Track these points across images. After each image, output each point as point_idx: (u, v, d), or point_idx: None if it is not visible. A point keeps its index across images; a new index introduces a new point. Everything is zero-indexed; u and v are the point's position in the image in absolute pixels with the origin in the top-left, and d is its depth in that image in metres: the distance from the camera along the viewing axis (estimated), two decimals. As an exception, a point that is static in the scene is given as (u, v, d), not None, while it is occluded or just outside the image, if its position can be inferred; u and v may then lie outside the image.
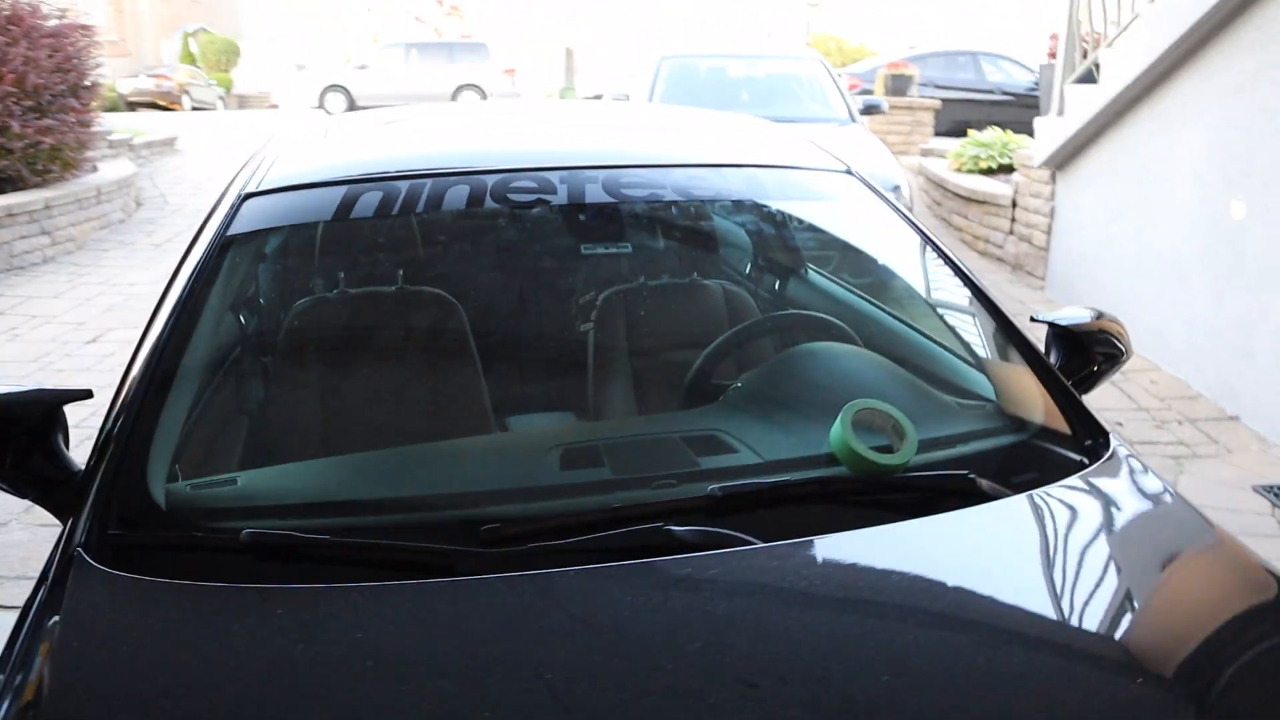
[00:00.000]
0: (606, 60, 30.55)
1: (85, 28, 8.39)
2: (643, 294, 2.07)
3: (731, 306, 2.13)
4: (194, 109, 27.07)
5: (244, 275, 1.90)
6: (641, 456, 1.62)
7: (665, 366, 1.99)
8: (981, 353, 1.92)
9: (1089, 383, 1.89)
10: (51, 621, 1.24)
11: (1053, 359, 1.91)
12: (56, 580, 1.31)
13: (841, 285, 2.27)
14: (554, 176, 1.87)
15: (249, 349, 1.92)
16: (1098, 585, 1.33)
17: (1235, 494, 3.83)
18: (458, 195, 1.81)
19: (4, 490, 1.53)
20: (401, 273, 1.98)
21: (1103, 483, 1.53)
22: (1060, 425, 1.68)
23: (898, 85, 11.07)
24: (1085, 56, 6.18)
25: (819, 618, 1.23)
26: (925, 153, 10.07)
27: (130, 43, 33.56)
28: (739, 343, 1.97)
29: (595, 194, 1.85)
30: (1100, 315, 1.96)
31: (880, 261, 2.17)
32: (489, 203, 1.82)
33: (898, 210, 2.06)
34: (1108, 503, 1.50)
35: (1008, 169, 7.89)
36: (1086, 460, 1.58)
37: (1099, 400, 4.85)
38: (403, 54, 22.96)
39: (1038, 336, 1.98)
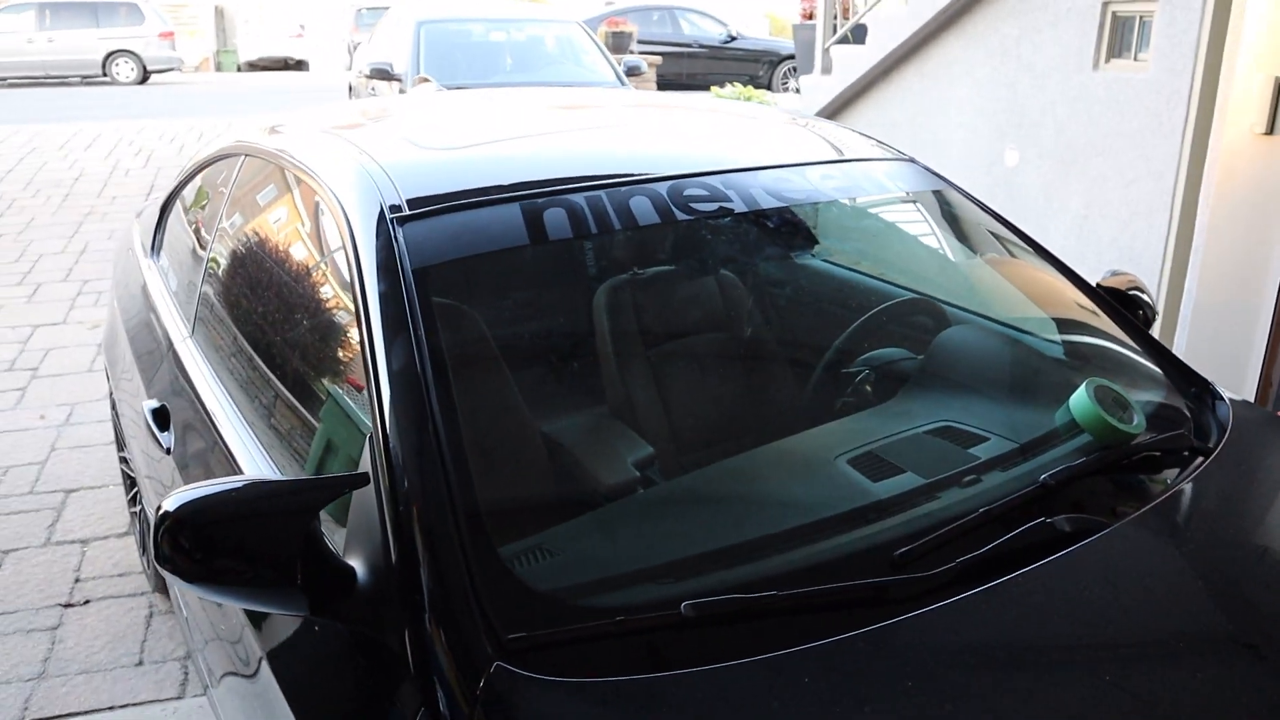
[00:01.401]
0: (262, 19, 28.57)
1: None
2: (779, 279, 2.10)
3: (860, 288, 2.20)
4: None
5: (436, 309, 1.65)
6: (922, 457, 1.65)
7: (820, 356, 2.01)
8: (1085, 326, 2.09)
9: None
10: None
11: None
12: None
13: (950, 272, 2.35)
14: (719, 182, 1.82)
15: (491, 385, 1.65)
16: None
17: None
18: (642, 205, 1.72)
19: (259, 605, 1.26)
20: (628, 274, 1.89)
21: (1258, 435, 1.77)
22: (1181, 379, 1.92)
23: (619, 43, 11.30)
24: (846, 18, 6.65)
25: (1222, 571, 1.39)
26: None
27: None
28: (863, 332, 2.02)
29: (764, 199, 1.83)
30: (1128, 275, 2.21)
31: (971, 243, 2.27)
32: (676, 213, 1.74)
33: (962, 191, 2.19)
34: (1275, 450, 1.75)
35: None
36: (1214, 404, 1.83)
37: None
38: (34, 16, 20.17)
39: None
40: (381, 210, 1.63)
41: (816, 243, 2.22)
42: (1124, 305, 2.13)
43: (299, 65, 27.41)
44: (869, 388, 1.89)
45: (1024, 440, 1.68)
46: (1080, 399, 1.63)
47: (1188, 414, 1.82)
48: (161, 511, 1.22)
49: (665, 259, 2.02)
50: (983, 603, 1.28)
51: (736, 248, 2.06)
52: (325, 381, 1.68)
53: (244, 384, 1.90)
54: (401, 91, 7.04)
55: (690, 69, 14.43)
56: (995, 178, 5.42)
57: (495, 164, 1.90)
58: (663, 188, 1.78)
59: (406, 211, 1.63)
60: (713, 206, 1.79)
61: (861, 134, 2.33)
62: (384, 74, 7.39)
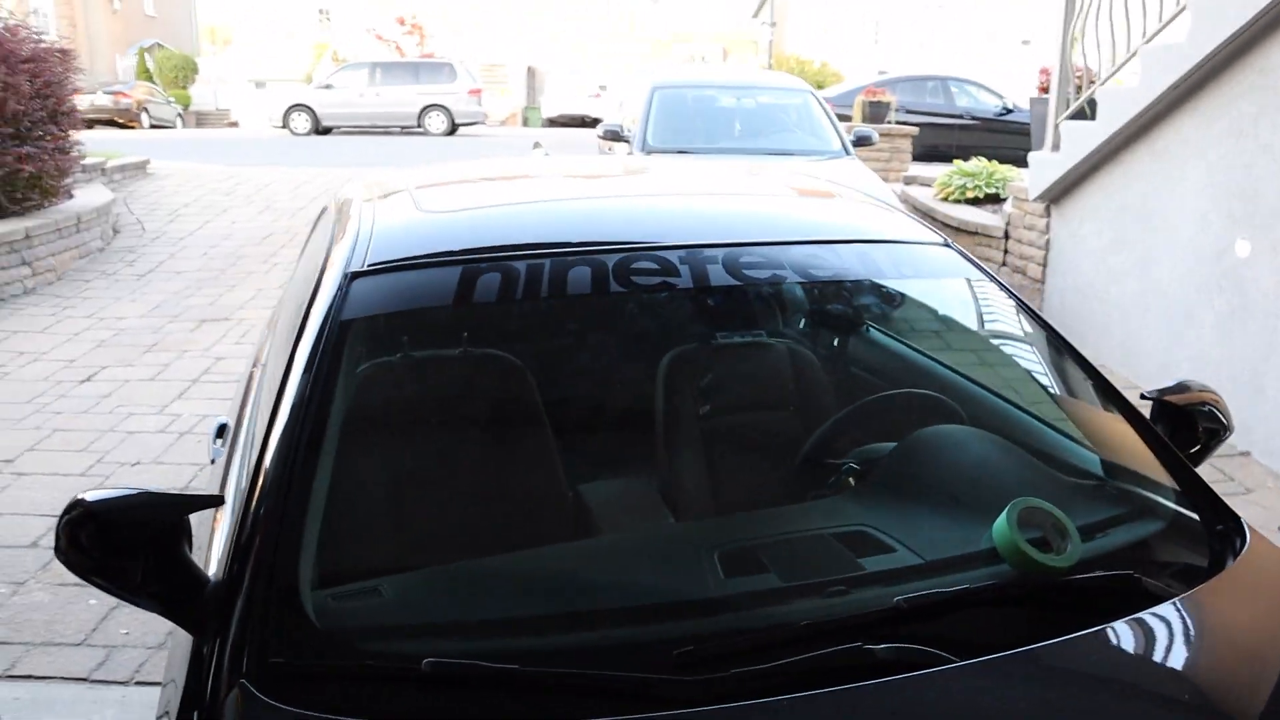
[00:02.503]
0: (568, 80, 30.55)
1: (64, 52, 8.22)
2: (762, 357, 2.05)
3: (850, 376, 2.11)
4: (152, 126, 26.67)
5: (362, 359, 1.81)
6: (802, 560, 1.58)
7: (783, 440, 1.95)
8: (1098, 435, 1.91)
9: (1196, 459, 1.89)
10: None
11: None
12: (212, 713, 1.23)
13: (953, 364, 2.25)
14: (674, 256, 1.83)
15: (373, 438, 1.83)
16: None
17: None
18: (579, 276, 1.76)
19: (127, 601, 1.42)
20: (534, 347, 1.94)
21: (1257, 572, 1.53)
22: (1194, 510, 1.68)
23: (875, 112, 11.18)
24: (1079, 92, 6.28)
25: None
26: (909, 180, 10.17)
27: (85, 58, 32.99)
28: (853, 421, 1.95)
29: (718, 276, 1.81)
30: (1205, 388, 1.96)
31: (988, 337, 2.16)
32: (614, 285, 1.76)
33: (995, 281, 2.06)
34: (1265, 594, 1.50)
35: (994, 199, 8.00)
36: (1232, 546, 1.58)
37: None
38: (367, 74, 22.75)
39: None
40: (349, 272, 1.78)
41: (778, 321, 2.15)
42: (1176, 421, 1.91)
43: (593, 122, 29.10)
44: (833, 480, 1.81)
45: (931, 558, 1.54)
46: (1000, 522, 1.46)
47: (1175, 553, 1.61)
48: (65, 513, 1.40)
49: (583, 331, 2.03)
50: (742, 717, 1.19)
51: (673, 324, 2.04)
52: (257, 411, 1.84)
53: (244, 408, 2.11)
54: (629, 153, 7.34)
55: (961, 140, 14.00)
56: (1223, 269, 4.92)
57: (472, 230, 2.01)
58: (612, 259, 1.80)
59: (363, 269, 1.77)
60: (655, 280, 1.79)
61: (909, 216, 2.24)
62: (615, 135, 7.76)
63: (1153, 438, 1.79)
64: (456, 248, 1.88)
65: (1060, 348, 1.97)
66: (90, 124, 25.86)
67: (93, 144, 13.57)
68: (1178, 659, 1.39)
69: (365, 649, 1.34)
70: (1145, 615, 1.40)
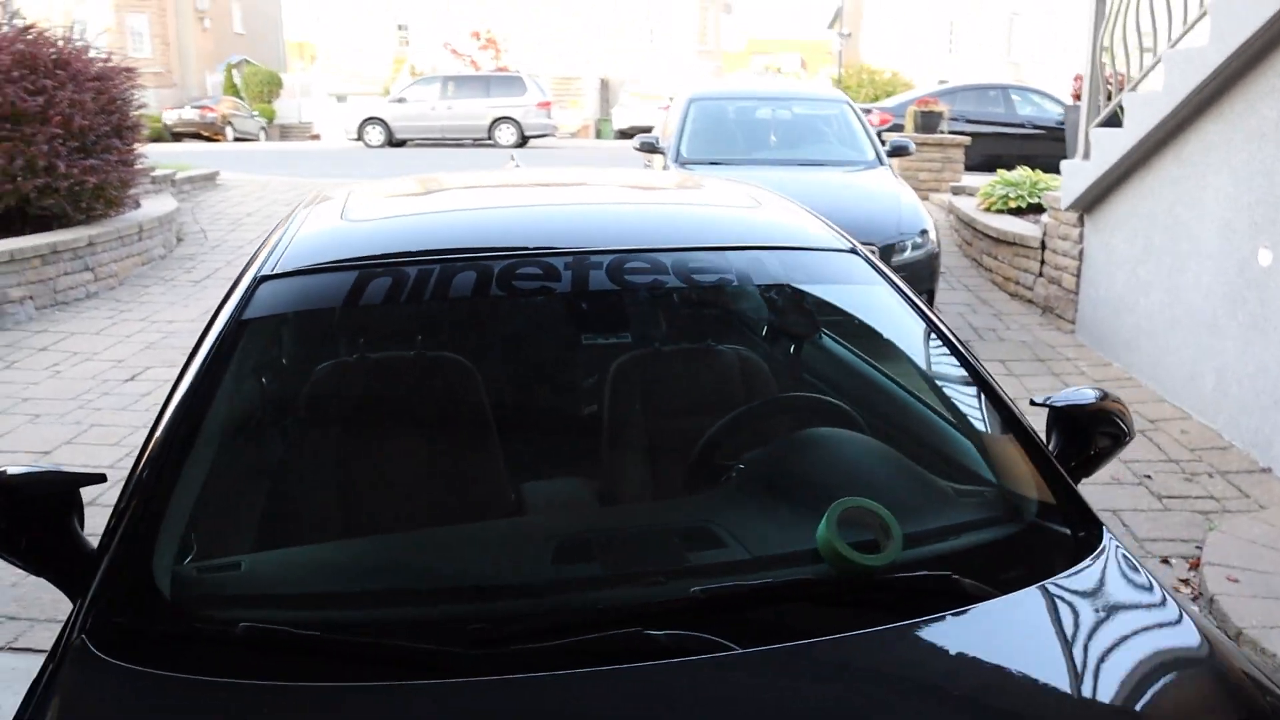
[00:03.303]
0: (639, 92, 30.73)
1: (129, 70, 8.63)
2: (653, 361, 2.11)
3: (747, 379, 2.16)
4: (236, 139, 27.66)
5: (257, 357, 1.94)
6: (632, 552, 1.64)
7: (676, 442, 2.01)
8: (982, 439, 1.93)
9: (1090, 466, 1.90)
10: (49, 710, 1.28)
11: (1053, 442, 1.93)
12: (58, 665, 1.35)
13: (846, 368, 2.28)
14: (559, 262, 1.90)
15: (258, 429, 1.97)
16: (1076, 697, 1.34)
17: (1267, 554, 3.77)
18: (464, 281, 1.86)
19: (23, 569, 1.58)
20: (413, 350, 2.04)
21: (1089, 583, 1.53)
22: (1054, 516, 1.70)
23: (927, 122, 11.08)
24: (1109, 99, 6.18)
25: None
26: (956, 190, 10.06)
27: (176, 74, 34.39)
28: (742, 424, 1.99)
29: (599, 281, 1.88)
30: (1104, 396, 1.96)
31: (884, 343, 2.19)
32: (494, 289, 1.85)
33: (900, 290, 2.08)
34: (1094, 605, 1.50)
35: (1038, 208, 7.88)
36: (1077, 555, 1.58)
37: (1130, 450, 4.82)
38: (439, 87, 23.26)
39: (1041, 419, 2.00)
40: (257, 275, 1.91)
41: (659, 325, 2.20)
42: (1077, 428, 1.91)
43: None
44: (723, 479, 1.86)
45: (759, 554, 1.59)
46: (823, 520, 1.48)
47: (1015, 556, 1.62)
48: None
49: (468, 334, 2.13)
50: (516, 687, 1.27)
51: (542, 326, 2.12)
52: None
53: None
54: (665, 166, 7.41)
55: (1024, 149, 13.75)
56: (1247, 279, 4.80)
57: (380, 238, 2.14)
58: (497, 265, 1.88)
59: (271, 273, 1.90)
60: (534, 285, 1.88)
61: (823, 220, 2.28)
62: (651, 147, 7.85)
63: (1029, 444, 1.80)
64: (362, 254, 2.00)
65: (957, 355, 1.98)
66: (177, 137, 27.04)
67: (172, 157, 14.14)
68: (964, 661, 1.39)
69: (202, 614, 1.45)
70: (948, 615, 1.42)
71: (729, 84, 7.99)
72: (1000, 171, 8.51)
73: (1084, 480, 1.90)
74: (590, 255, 1.93)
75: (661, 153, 7.66)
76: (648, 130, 9.55)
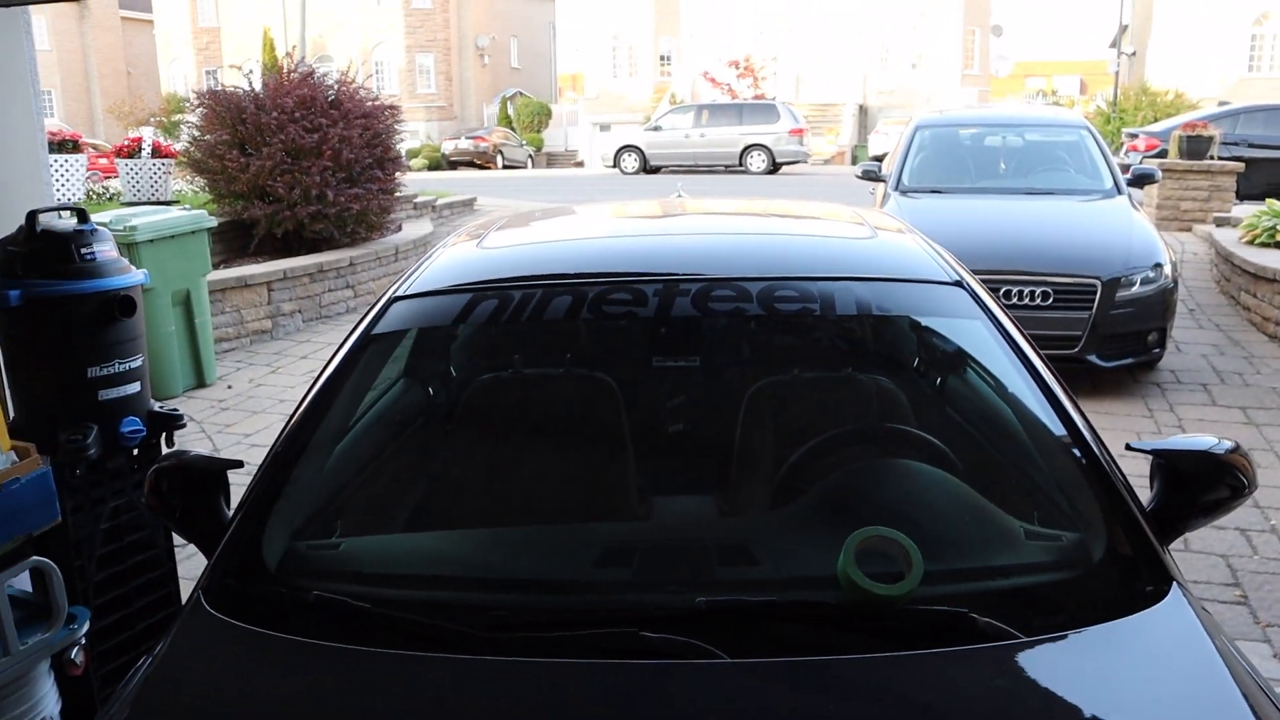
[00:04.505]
0: (897, 119, 30.13)
1: (393, 108, 9.50)
2: (738, 385, 2.18)
3: (846, 408, 2.17)
4: (506, 166, 29.53)
5: (383, 366, 2.17)
6: (669, 562, 1.73)
7: (760, 464, 2.05)
8: (1061, 482, 1.84)
9: (1191, 520, 1.78)
10: (164, 643, 1.57)
11: (1154, 490, 1.82)
12: (179, 612, 1.63)
13: (938, 401, 2.24)
14: (648, 289, 2.01)
15: (377, 431, 2.20)
16: None
17: None
18: (560, 305, 2.01)
19: (181, 536, 1.92)
20: (512, 367, 2.25)
21: (1127, 637, 1.45)
22: (1116, 565, 1.61)
23: (1194, 148, 10.23)
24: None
25: None
26: (1220, 222, 9.25)
27: (456, 106, 37.22)
28: (822, 452, 2.00)
29: (681, 307, 1.97)
30: (1218, 444, 1.82)
31: (979, 378, 2.13)
32: (585, 313, 2.00)
33: (1002, 326, 2.02)
34: (1123, 661, 1.42)
35: (1309, 243, 7.14)
36: (1130, 608, 1.50)
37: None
38: (694, 115, 23.84)
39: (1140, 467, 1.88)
40: (390, 296, 2.15)
41: (744, 352, 2.22)
42: (1181, 477, 1.80)
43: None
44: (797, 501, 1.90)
45: (781, 575, 1.62)
46: (844, 546, 1.49)
47: (1056, 600, 1.55)
48: (157, 462, 1.92)
49: (562, 353, 2.28)
50: (516, 668, 1.40)
51: (630, 349, 2.23)
52: None
53: None
54: (885, 195, 7.29)
55: (1317, 177, 12.44)
56: None
57: (501, 265, 2.32)
58: (594, 291, 2.02)
59: (402, 295, 2.13)
60: (622, 310, 2.00)
61: (939, 251, 2.24)
62: (873, 176, 7.74)
63: (1108, 489, 1.70)
64: (481, 279, 2.18)
65: (1053, 395, 1.90)
66: (453, 165, 29.21)
67: (438, 184, 15.33)
68: (951, 695, 1.36)
69: (294, 583, 1.68)
70: (945, 651, 1.39)
71: (961, 111, 7.75)
72: (1269, 201, 7.76)
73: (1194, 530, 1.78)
74: (681, 283, 2.03)
75: (883, 181, 7.55)
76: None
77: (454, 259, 2.37)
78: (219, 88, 8.98)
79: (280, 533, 1.77)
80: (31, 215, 2.61)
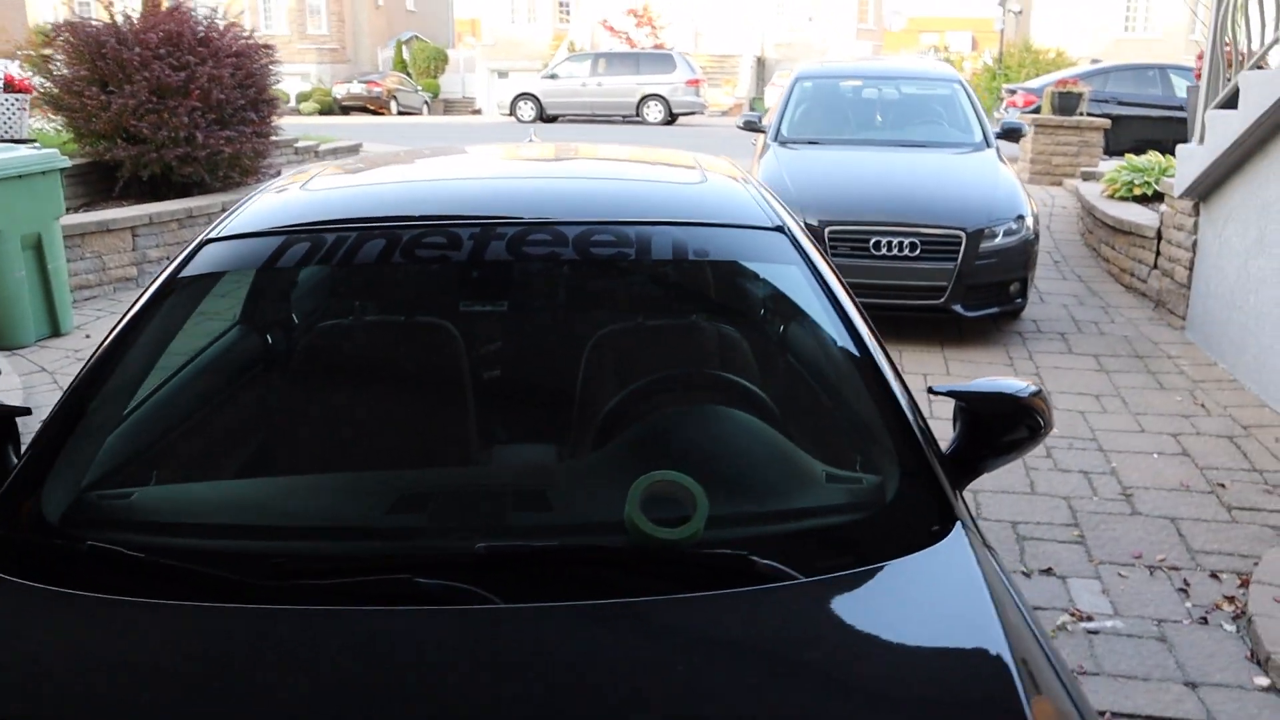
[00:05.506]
0: (789, 70, 30.28)
1: (267, 48, 9.13)
2: (534, 331, 2.19)
3: (659, 353, 2.18)
4: (400, 113, 28.77)
5: (188, 309, 2.09)
6: (463, 507, 1.72)
7: (584, 411, 2.05)
8: (864, 424, 1.88)
9: (989, 459, 1.83)
10: None
11: (956, 432, 1.87)
12: None
13: (751, 346, 2.26)
14: (463, 232, 1.97)
15: (176, 376, 2.13)
16: (828, 692, 1.31)
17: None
18: (374, 249, 1.97)
19: None
20: (315, 312, 2.19)
21: (905, 577, 1.48)
22: (906, 506, 1.65)
23: (1065, 104, 10.53)
24: (1229, 80, 5.76)
25: (521, 687, 1.27)
26: (1086, 176, 9.57)
27: (349, 50, 35.99)
28: (637, 398, 2.00)
29: (496, 251, 1.94)
30: (1024, 389, 1.87)
31: (794, 323, 2.17)
32: (397, 257, 1.95)
33: (819, 272, 2.04)
34: (897, 600, 1.46)
35: (1162, 197, 7.44)
36: (909, 548, 1.53)
37: (1211, 456, 4.53)
38: (591, 64, 23.58)
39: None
40: (205, 238, 2.08)
41: (558, 297, 2.22)
42: (980, 419, 1.85)
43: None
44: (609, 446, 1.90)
45: (574, 521, 1.65)
46: (631, 491, 1.50)
47: (844, 542, 1.59)
48: None
49: (366, 298, 2.24)
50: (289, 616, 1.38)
51: (448, 291, 2.22)
52: None
53: None
54: (764, 146, 7.33)
55: (1180, 134, 12.94)
56: (1354, 279, 4.43)
57: (313, 207, 2.27)
58: (406, 234, 1.99)
59: (214, 238, 2.06)
60: (435, 254, 1.97)
61: (765, 197, 2.26)
62: (753, 126, 7.79)
63: (904, 432, 1.75)
64: (295, 221, 2.13)
65: (860, 341, 1.93)
66: (345, 110, 28.35)
67: (322, 129, 14.87)
68: (719, 635, 1.38)
69: (75, 535, 1.61)
70: (721, 593, 1.42)
71: (839, 63, 7.81)
72: (1128, 156, 8.04)
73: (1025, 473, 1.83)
74: (497, 227, 2.00)
75: (763, 132, 7.59)
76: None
77: (273, 202, 2.29)
78: (83, 19, 8.50)
79: (68, 483, 1.69)
80: None
